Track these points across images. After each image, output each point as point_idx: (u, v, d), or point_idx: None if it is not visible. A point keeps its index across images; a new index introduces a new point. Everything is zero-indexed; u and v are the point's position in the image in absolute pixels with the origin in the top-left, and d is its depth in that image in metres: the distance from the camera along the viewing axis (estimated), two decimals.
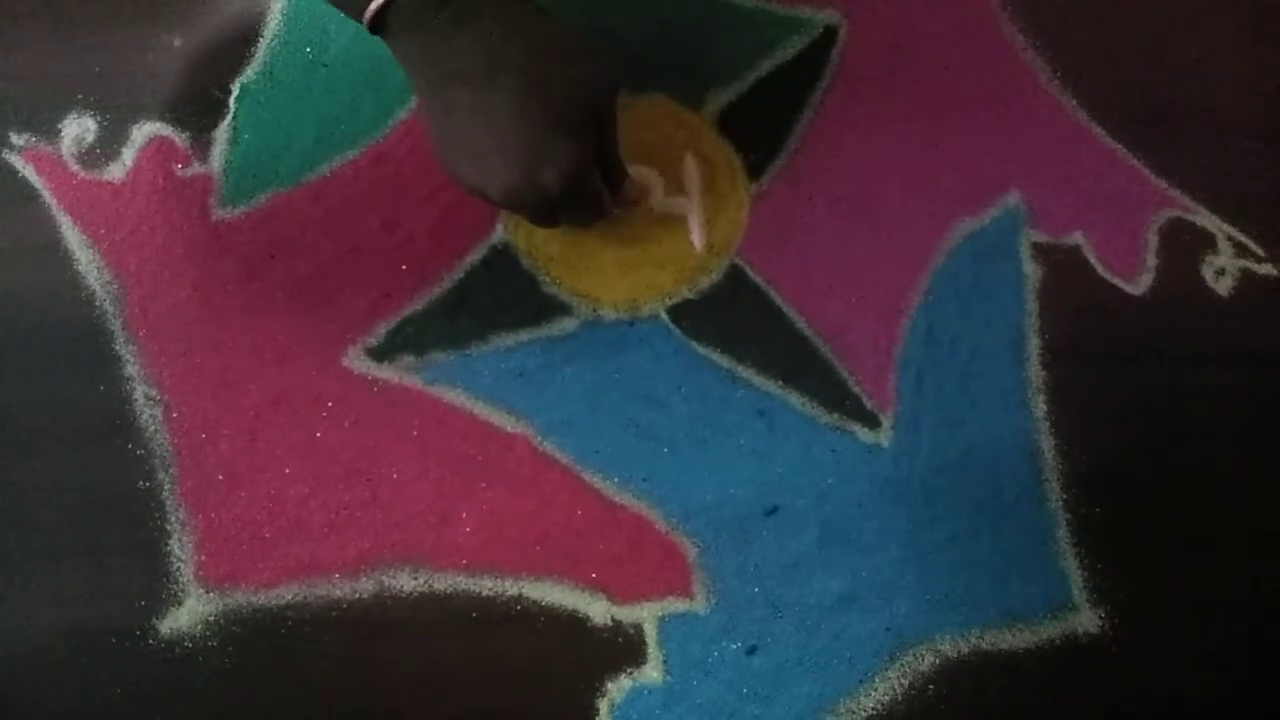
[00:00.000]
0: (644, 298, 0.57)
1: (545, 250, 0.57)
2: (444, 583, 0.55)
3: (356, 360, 0.56)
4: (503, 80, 0.46)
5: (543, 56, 0.47)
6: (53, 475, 0.55)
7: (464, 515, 0.55)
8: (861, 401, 0.56)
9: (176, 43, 0.57)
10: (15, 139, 0.56)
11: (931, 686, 0.54)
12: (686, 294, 0.57)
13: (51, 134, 0.56)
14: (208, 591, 0.54)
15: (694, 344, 0.56)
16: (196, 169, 0.56)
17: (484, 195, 0.48)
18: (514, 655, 0.54)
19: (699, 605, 0.55)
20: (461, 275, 0.56)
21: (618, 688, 0.54)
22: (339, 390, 0.56)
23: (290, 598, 0.54)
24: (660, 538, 0.55)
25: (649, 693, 0.54)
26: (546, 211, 0.49)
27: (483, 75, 0.46)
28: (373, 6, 0.45)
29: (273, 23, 0.57)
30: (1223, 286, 0.57)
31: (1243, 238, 0.58)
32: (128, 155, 0.56)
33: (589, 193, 0.50)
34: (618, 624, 0.55)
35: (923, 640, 0.55)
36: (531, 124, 0.47)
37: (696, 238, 0.57)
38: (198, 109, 0.57)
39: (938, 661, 0.55)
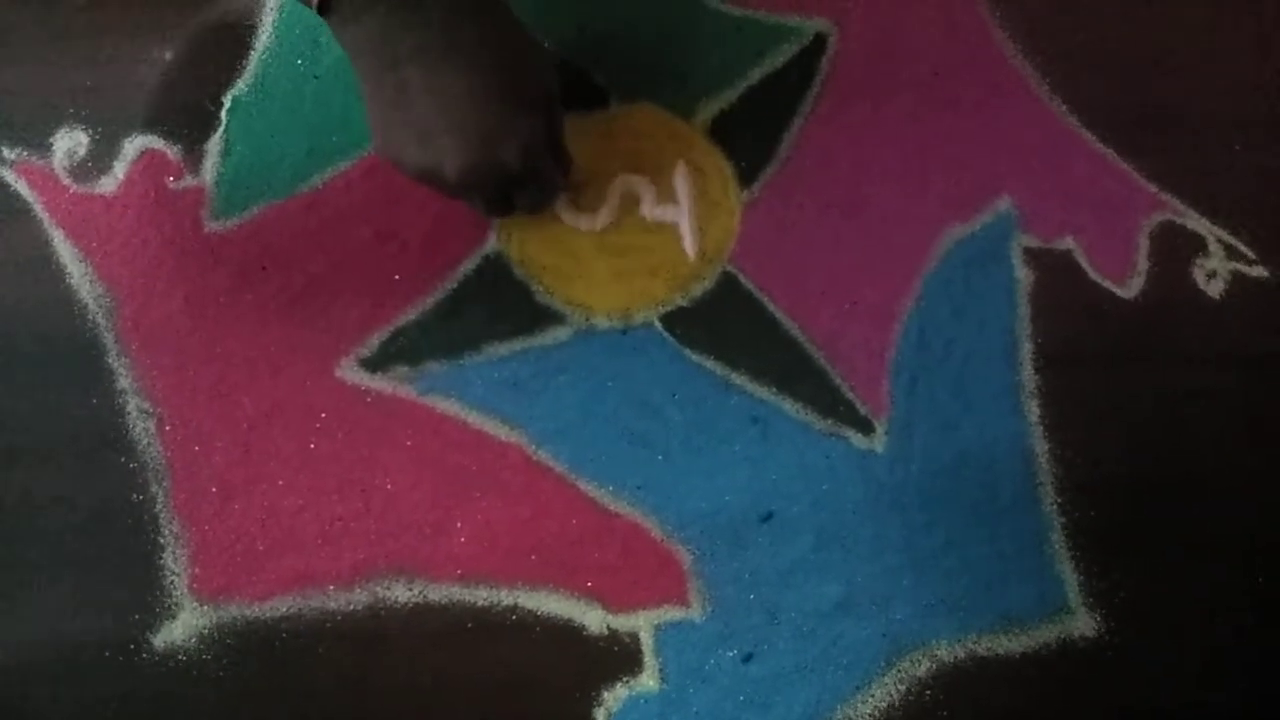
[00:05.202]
0: (637, 306, 0.57)
1: (538, 259, 0.57)
2: (439, 593, 0.54)
3: (350, 371, 0.56)
4: (461, 57, 0.46)
5: (499, 35, 0.48)
6: (45, 489, 0.55)
7: (458, 525, 0.55)
8: (855, 407, 0.56)
9: (168, 56, 0.57)
10: (7, 153, 0.57)
11: (928, 692, 0.54)
12: (679, 302, 0.57)
13: (43, 148, 0.57)
14: (202, 604, 0.54)
15: (687, 351, 0.56)
16: (188, 181, 0.56)
17: (436, 177, 0.48)
18: (510, 665, 0.54)
19: (695, 613, 0.54)
20: (454, 285, 0.56)
21: (614, 697, 0.54)
22: (332, 401, 0.55)
23: (285, 610, 0.54)
24: (655, 546, 0.55)
25: (645, 701, 0.54)
26: (501, 191, 0.50)
27: (439, 53, 0.46)
28: None
29: (264, 35, 0.58)
30: (1214, 289, 0.58)
31: (1233, 240, 0.58)
32: (119, 168, 0.56)
33: (545, 172, 0.50)
34: (614, 633, 0.54)
35: (919, 646, 0.54)
36: (491, 100, 0.47)
37: (689, 245, 0.57)
38: (189, 122, 0.57)
39: (934, 667, 0.54)
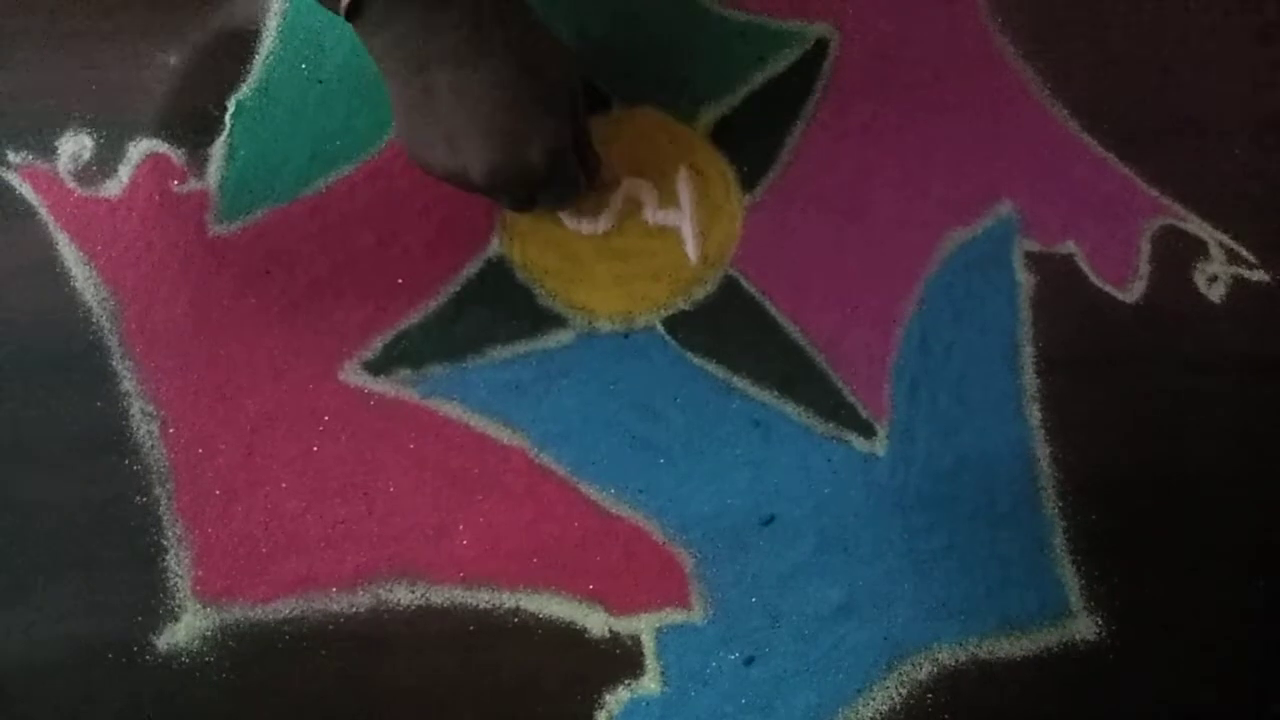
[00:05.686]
0: (639, 309, 0.57)
1: (540, 263, 0.57)
2: (441, 596, 0.55)
3: (353, 374, 0.56)
4: (486, 60, 0.47)
5: (524, 37, 0.48)
6: (50, 491, 0.55)
7: (461, 528, 0.55)
8: (857, 411, 0.56)
9: (172, 60, 0.58)
10: (12, 157, 0.57)
11: (930, 695, 0.54)
12: (681, 305, 0.57)
13: (48, 151, 0.57)
14: (204, 606, 0.54)
15: (689, 355, 0.56)
16: (192, 185, 0.57)
17: (463, 179, 0.48)
18: (511, 668, 0.54)
19: (696, 616, 0.55)
20: (457, 289, 0.57)
21: (616, 700, 0.54)
22: (335, 404, 0.56)
23: (287, 612, 0.54)
24: (657, 549, 0.55)
25: (647, 704, 0.54)
26: (527, 192, 0.50)
27: (466, 55, 0.46)
28: None
29: (268, 39, 0.58)
30: (1215, 293, 0.58)
31: (1234, 244, 0.58)
32: (124, 172, 0.57)
33: (569, 171, 0.51)
34: (615, 635, 0.54)
35: (920, 649, 0.55)
36: (517, 102, 0.47)
37: (691, 249, 0.57)
38: (194, 126, 0.57)
39: (936, 670, 0.54)
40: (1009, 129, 0.59)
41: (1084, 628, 0.55)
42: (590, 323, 0.57)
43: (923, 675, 0.54)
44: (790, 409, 0.56)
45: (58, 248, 0.56)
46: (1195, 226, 0.58)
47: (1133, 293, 0.58)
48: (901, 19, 0.59)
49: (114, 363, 0.56)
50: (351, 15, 0.46)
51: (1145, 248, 0.58)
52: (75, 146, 0.57)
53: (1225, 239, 0.58)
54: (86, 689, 0.54)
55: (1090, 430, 0.56)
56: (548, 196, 0.52)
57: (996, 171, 0.58)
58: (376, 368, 0.56)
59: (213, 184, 0.57)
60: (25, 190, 0.57)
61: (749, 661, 0.54)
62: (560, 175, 0.50)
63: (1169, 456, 0.56)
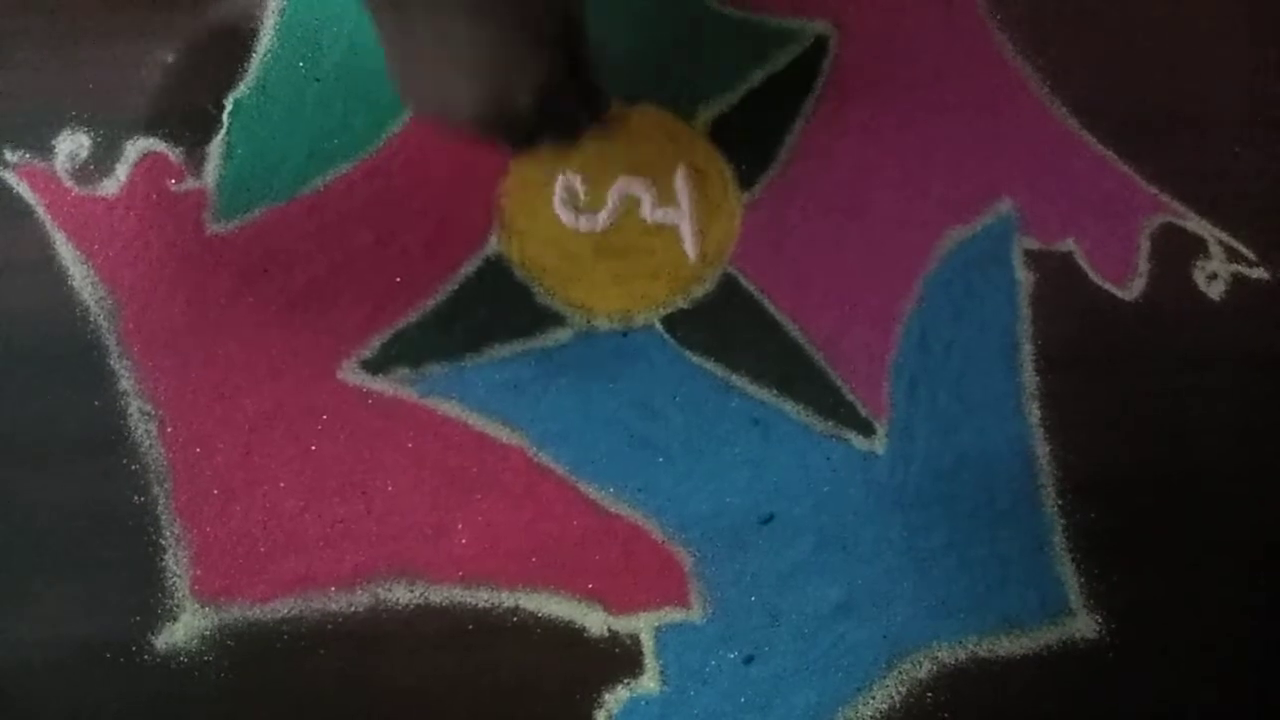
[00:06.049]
0: (638, 308, 0.57)
1: (539, 261, 0.57)
2: (440, 595, 0.54)
3: (351, 373, 0.56)
4: None
5: None
6: (47, 490, 0.55)
7: (459, 527, 0.55)
8: (856, 409, 0.56)
9: (169, 59, 0.57)
10: (9, 155, 0.57)
11: (929, 694, 0.54)
12: (680, 304, 0.57)
13: (45, 150, 0.57)
14: (203, 606, 0.54)
15: (688, 353, 0.56)
16: (190, 184, 0.57)
17: (454, 121, 0.46)
18: (510, 667, 0.54)
19: (696, 615, 0.55)
20: (455, 287, 0.57)
21: (615, 699, 0.54)
22: (333, 403, 0.56)
23: (286, 611, 0.54)
24: (656, 547, 0.55)
25: (646, 703, 0.54)
26: (521, 132, 0.47)
27: None
28: None
29: (266, 38, 0.58)
30: (1214, 291, 0.58)
31: (1234, 242, 0.58)
32: (121, 171, 0.57)
33: (565, 107, 0.48)
34: (614, 634, 0.54)
35: (920, 647, 0.54)
36: (502, 40, 0.45)
37: (689, 247, 0.57)
38: (191, 124, 0.57)
39: (935, 669, 0.54)
40: (1008, 127, 0.59)
41: (1084, 626, 0.55)
42: (589, 321, 0.56)
43: (922, 673, 0.54)
44: (789, 407, 0.56)
45: (55, 246, 0.56)
46: (1195, 224, 0.58)
47: (1132, 290, 0.57)
48: (901, 17, 0.59)
49: (112, 362, 0.55)
50: None
51: (1145, 245, 0.58)
52: (73, 145, 0.57)
53: (1225, 236, 0.58)
54: (85, 689, 0.54)
55: (1090, 428, 0.56)
56: (547, 136, 0.49)
57: (996, 169, 0.58)
58: (375, 366, 0.56)
59: (210, 183, 0.57)
60: (23, 189, 0.57)
61: (748, 660, 0.54)
62: (555, 112, 0.47)
63: (1169, 454, 0.56)
